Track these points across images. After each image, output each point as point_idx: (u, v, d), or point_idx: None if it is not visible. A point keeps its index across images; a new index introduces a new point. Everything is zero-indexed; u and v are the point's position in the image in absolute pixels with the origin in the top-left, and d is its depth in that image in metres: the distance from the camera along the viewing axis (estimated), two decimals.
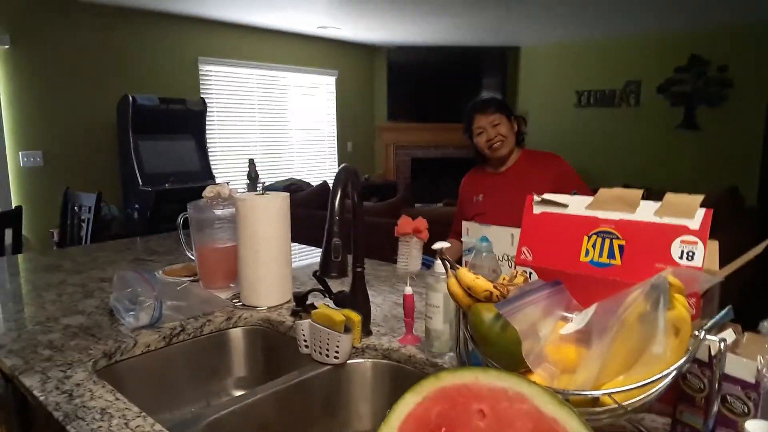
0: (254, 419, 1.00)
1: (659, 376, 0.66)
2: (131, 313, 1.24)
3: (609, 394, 0.67)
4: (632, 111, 5.91)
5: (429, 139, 6.67)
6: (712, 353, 0.73)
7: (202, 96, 5.07)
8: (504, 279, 0.86)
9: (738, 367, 0.72)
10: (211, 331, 1.29)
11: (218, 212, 1.53)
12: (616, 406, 0.67)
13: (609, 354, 0.71)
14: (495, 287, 0.81)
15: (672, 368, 0.66)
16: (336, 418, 1.12)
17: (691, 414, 0.76)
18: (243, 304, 1.38)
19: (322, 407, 1.10)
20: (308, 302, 1.21)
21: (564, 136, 6.30)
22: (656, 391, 0.68)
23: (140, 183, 4.20)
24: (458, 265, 0.81)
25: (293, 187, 4.70)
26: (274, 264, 1.36)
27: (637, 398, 0.67)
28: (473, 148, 2.20)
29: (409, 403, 0.54)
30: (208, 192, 1.62)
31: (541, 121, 6.44)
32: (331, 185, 1.17)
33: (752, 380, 0.71)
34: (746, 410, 0.71)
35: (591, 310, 0.80)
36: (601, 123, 6.13)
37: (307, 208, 3.77)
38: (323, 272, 0.96)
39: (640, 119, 5.86)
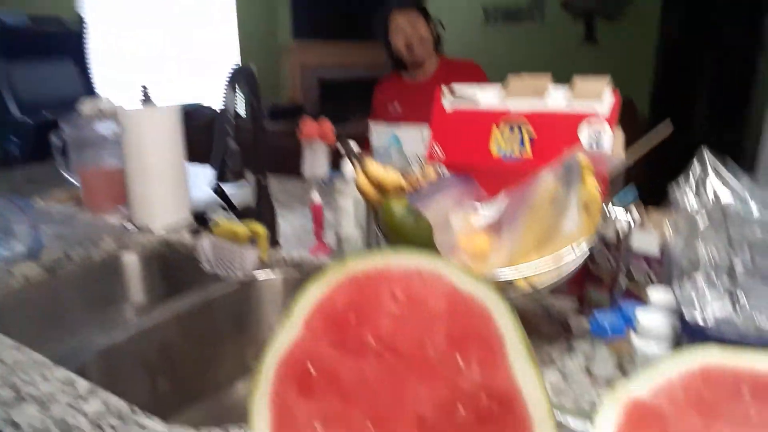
0: (155, 343, 0.92)
1: (571, 256, 0.65)
2: (2, 244, 1.09)
3: (523, 277, 0.65)
4: (537, 27, 5.96)
5: (337, 59, 6.41)
6: (619, 231, 0.73)
7: (79, 13, 4.49)
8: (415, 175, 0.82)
9: (643, 241, 0.72)
10: (101, 258, 1.17)
11: (99, 129, 1.36)
12: (528, 288, 0.66)
13: (521, 236, 0.69)
14: (405, 180, 0.77)
15: (583, 243, 0.65)
16: (246, 334, 1.06)
17: (598, 292, 0.77)
18: (136, 226, 1.26)
19: (230, 325, 1.04)
20: (209, 219, 1.11)
21: (473, 54, 6.27)
22: (568, 270, 0.68)
23: (16, 114, 3.72)
24: (364, 157, 0.75)
25: (194, 113, 4.38)
26: (168, 180, 1.23)
27: (548, 277, 0.66)
28: (389, 54, 2.05)
29: (313, 294, 0.48)
30: (87, 108, 1.44)
31: (450, 39, 6.36)
32: None
33: (656, 254, 0.72)
34: (650, 282, 0.73)
35: (502, 198, 0.77)
36: (508, 40, 6.15)
37: (210, 134, 3.54)
38: (219, 178, 0.87)
39: (544, 35, 5.93)
